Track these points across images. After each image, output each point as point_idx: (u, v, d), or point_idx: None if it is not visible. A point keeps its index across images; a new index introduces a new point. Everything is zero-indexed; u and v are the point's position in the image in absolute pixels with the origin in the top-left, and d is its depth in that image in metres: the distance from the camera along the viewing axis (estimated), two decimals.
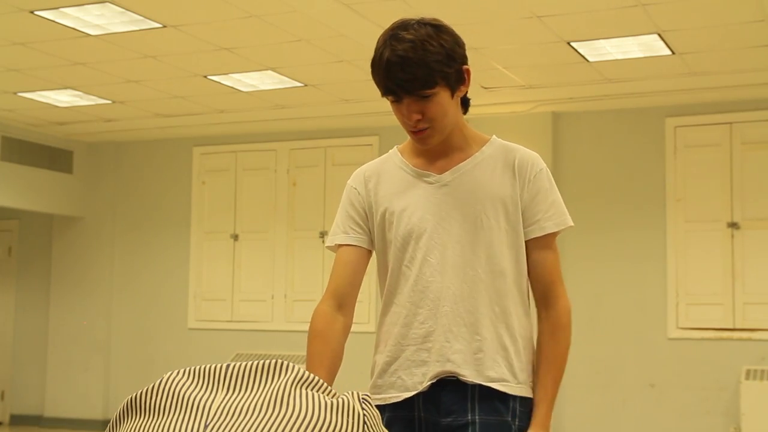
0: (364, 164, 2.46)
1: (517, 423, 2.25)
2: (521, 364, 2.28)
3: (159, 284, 10.08)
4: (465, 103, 2.33)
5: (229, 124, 9.40)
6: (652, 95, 8.07)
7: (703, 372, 8.05)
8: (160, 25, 6.39)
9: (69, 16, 6.21)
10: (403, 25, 2.21)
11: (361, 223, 2.37)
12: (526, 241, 2.31)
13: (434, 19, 2.25)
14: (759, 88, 7.75)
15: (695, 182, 8.21)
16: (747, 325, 7.96)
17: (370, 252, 2.39)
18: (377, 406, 2.29)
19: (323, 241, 9.37)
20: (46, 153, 9.90)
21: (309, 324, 2.30)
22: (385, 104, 2.30)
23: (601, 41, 6.67)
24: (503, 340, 2.27)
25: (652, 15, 6.07)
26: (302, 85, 7.91)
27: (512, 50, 6.93)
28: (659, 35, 6.50)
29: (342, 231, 2.38)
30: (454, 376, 2.24)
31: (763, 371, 7.77)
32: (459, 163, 2.32)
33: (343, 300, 2.32)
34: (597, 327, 8.36)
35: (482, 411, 2.22)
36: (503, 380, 2.24)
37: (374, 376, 2.36)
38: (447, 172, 2.31)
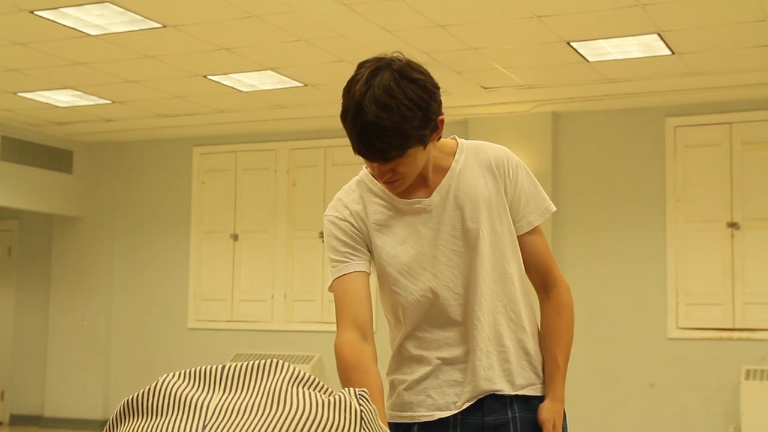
0: (337, 194, 2.36)
1: None
2: (542, 363, 2.36)
3: (159, 284, 10.08)
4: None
5: (229, 124, 9.40)
6: (651, 95, 8.06)
7: (703, 372, 8.05)
8: (160, 25, 6.39)
9: (69, 16, 6.21)
10: (376, 74, 2.07)
11: (360, 248, 2.30)
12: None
13: (407, 63, 2.12)
14: (759, 88, 7.75)
15: (695, 182, 8.21)
16: (747, 325, 7.95)
17: (369, 274, 2.33)
18: (404, 424, 2.31)
19: (323, 241, 9.36)
20: (46, 153, 9.90)
21: (337, 359, 2.20)
22: None
23: (601, 41, 6.67)
24: (524, 344, 2.33)
25: (652, 15, 6.07)
26: (302, 85, 7.91)
27: (512, 50, 6.93)
28: (659, 35, 6.50)
29: (342, 260, 2.28)
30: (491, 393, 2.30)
31: (763, 371, 7.77)
32: (440, 180, 2.30)
33: (363, 328, 2.22)
34: (597, 327, 8.36)
35: (521, 409, 2.30)
36: (531, 384, 2.33)
37: (395, 395, 2.35)
38: (434, 194, 2.29)
